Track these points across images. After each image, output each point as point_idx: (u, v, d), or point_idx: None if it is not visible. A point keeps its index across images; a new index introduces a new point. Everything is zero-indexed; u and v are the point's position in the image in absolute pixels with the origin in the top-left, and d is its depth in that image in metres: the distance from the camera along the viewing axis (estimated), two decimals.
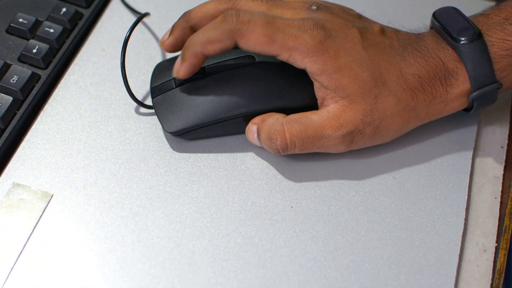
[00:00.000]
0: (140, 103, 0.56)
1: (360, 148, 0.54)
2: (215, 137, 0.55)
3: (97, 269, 0.49)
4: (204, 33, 0.51)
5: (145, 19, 0.62)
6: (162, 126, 0.54)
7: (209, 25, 0.52)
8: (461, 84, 0.53)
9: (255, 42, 0.50)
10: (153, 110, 0.56)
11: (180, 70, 0.53)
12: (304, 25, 0.51)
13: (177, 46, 0.55)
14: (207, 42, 0.51)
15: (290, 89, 0.54)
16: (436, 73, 0.52)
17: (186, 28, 0.54)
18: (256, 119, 0.54)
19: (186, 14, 0.54)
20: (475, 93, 0.53)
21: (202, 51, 0.52)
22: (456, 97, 0.53)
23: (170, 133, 0.54)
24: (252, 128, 0.53)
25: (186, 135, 0.54)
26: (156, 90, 0.55)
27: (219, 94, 0.53)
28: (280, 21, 0.51)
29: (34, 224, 0.50)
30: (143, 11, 0.62)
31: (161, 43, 0.55)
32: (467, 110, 0.55)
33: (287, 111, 0.53)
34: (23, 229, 0.50)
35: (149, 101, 0.57)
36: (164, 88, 0.55)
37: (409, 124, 0.53)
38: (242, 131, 0.55)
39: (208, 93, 0.54)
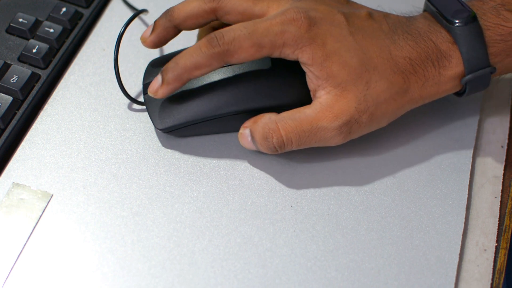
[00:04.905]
0: (133, 99, 0.56)
1: (359, 144, 0.54)
2: (206, 134, 0.55)
3: (97, 269, 0.49)
4: (189, 58, 0.51)
5: (143, 17, 0.62)
6: (152, 123, 0.54)
7: (192, 49, 0.51)
8: (454, 66, 0.52)
9: (246, 55, 0.50)
10: None
11: (159, 91, 0.52)
12: (287, 18, 0.51)
13: (159, 44, 0.55)
14: (194, 67, 0.51)
15: (281, 87, 0.54)
16: (427, 55, 0.52)
17: (169, 28, 0.54)
18: (247, 123, 0.53)
19: (169, 13, 0.54)
20: (468, 76, 0.52)
21: (188, 76, 0.51)
22: (449, 79, 0.53)
23: (160, 129, 0.54)
24: (244, 132, 0.53)
25: (176, 132, 0.54)
26: (148, 87, 0.55)
27: (210, 91, 0.53)
28: (262, 25, 0.51)
29: (34, 224, 0.50)
30: None
31: (142, 40, 0.55)
32: (459, 94, 0.55)
33: (279, 109, 0.53)
34: (23, 229, 0.50)
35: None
36: None
37: (404, 107, 0.53)
38: (233, 129, 0.54)
39: (198, 91, 0.53)
